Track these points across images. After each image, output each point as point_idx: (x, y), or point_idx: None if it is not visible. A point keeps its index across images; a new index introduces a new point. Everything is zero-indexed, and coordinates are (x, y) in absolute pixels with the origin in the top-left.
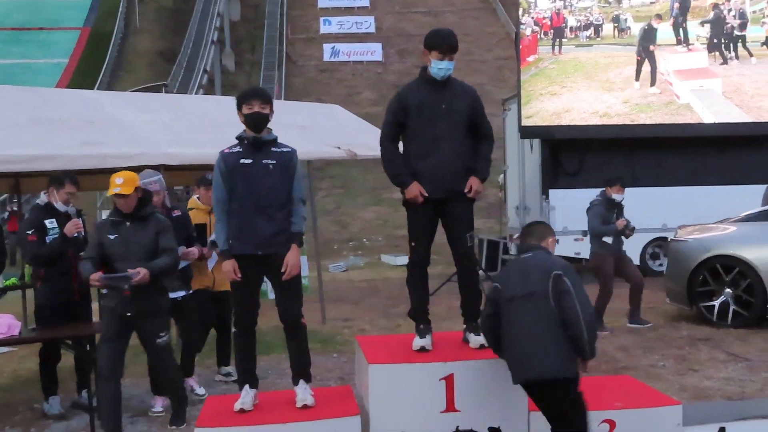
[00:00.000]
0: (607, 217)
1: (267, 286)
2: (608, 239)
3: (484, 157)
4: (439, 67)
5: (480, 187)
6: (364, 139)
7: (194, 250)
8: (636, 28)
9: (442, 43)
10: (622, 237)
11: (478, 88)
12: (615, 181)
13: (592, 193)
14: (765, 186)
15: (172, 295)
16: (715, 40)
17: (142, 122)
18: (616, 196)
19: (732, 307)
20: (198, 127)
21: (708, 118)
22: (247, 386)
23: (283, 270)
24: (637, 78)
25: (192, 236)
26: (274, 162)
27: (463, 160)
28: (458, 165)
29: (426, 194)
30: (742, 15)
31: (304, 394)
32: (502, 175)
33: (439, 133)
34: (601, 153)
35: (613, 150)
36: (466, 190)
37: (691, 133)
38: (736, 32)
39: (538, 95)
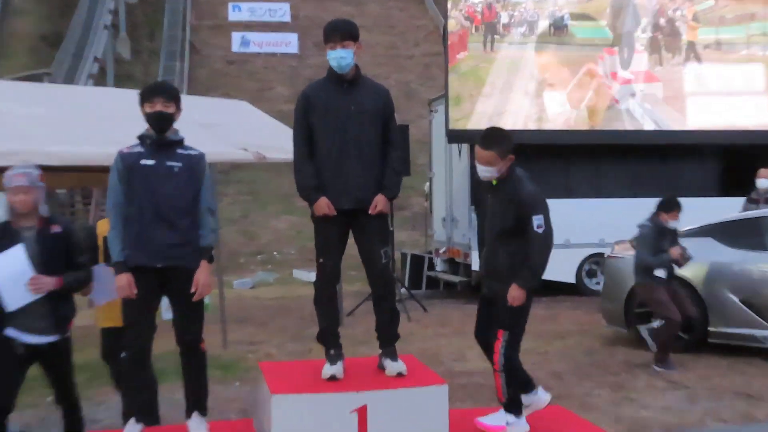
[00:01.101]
0: (659, 246)
1: (163, 304)
2: (660, 272)
3: (393, 170)
4: (333, 56)
5: (386, 206)
6: (276, 140)
7: (45, 281)
8: (574, 27)
9: (333, 32)
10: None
11: (404, 87)
12: (673, 205)
13: None
14: (699, 199)
15: (35, 339)
16: (660, 42)
17: (19, 116)
18: (671, 223)
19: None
20: (85, 122)
21: (649, 125)
22: (132, 420)
23: (193, 290)
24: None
25: (78, 261)
26: (180, 165)
27: (375, 167)
28: (369, 173)
29: (334, 212)
30: (688, 17)
31: (198, 429)
32: (428, 183)
33: (348, 138)
34: (535, 161)
35: (549, 158)
36: (369, 211)
37: (631, 140)
38: (683, 35)
39: (468, 96)
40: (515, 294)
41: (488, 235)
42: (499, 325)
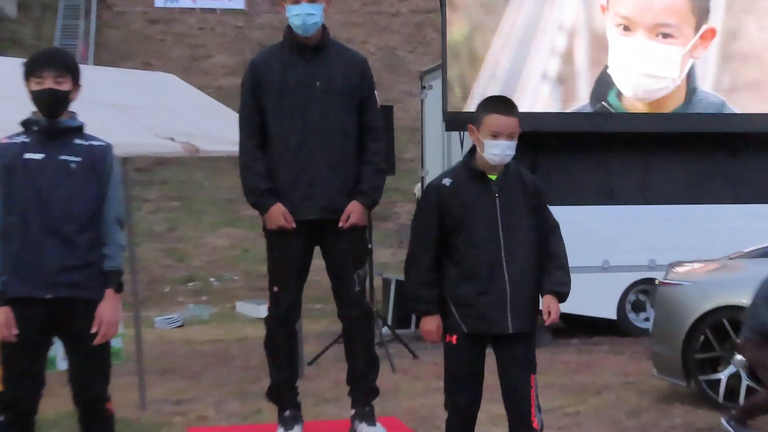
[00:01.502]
0: None
1: (56, 350)
2: None
3: (372, 167)
4: (294, 13)
5: (361, 218)
6: (214, 126)
7: None
8: None
9: None
10: None
11: (387, 55)
12: None
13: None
14: None
15: None
16: None
17: None
18: None
19: (745, 382)
20: None
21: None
22: None
23: (94, 330)
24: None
25: None
26: (79, 160)
27: (348, 163)
28: (340, 171)
29: (293, 224)
30: None
31: None
32: (418, 185)
33: (312, 124)
34: (562, 154)
35: (581, 150)
36: (340, 223)
37: (699, 126)
38: None
39: (473, 67)
40: (556, 308)
41: (488, 253)
42: (528, 368)
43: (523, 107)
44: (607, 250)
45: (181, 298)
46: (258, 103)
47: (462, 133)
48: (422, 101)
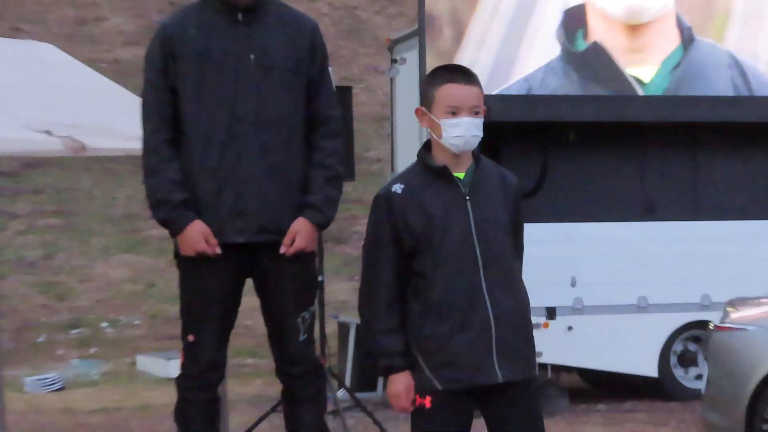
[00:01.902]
0: None
1: None
2: None
3: (325, 171)
4: None
5: (310, 241)
6: (107, 115)
7: None
8: None
9: None
10: None
11: (346, 16)
12: None
13: (564, 232)
14: None
15: None
16: None
17: None
18: None
19: None
20: None
21: None
22: None
23: None
24: None
25: None
26: None
27: (293, 167)
28: (281, 178)
29: (217, 249)
30: None
31: None
32: None
33: (244, 113)
34: (582, 152)
35: (608, 147)
36: (282, 249)
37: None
38: None
39: (465, 32)
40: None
41: (463, 276)
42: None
43: (525, 88)
44: (644, 282)
45: (62, 351)
46: (170, 82)
47: None
48: (392, 80)
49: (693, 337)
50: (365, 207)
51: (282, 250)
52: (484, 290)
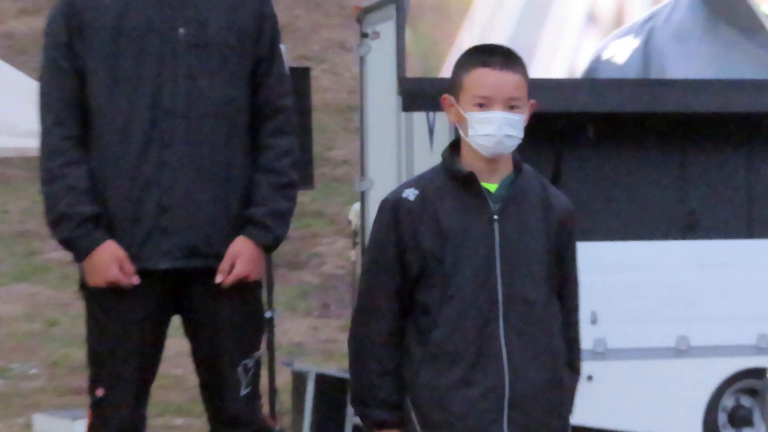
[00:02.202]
0: None
1: None
2: None
3: (275, 177)
4: None
5: (252, 268)
6: None
7: None
8: None
9: None
10: None
11: None
12: None
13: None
14: None
15: None
16: None
17: None
18: None
19: None
20: None
21: None
22: None
23: None
24: None
25: None
26: None
27: (233, 171)
28: (218, 185)
29: (134, 278)
30: None
31: None
32: (355, 207)
33: (170, 102)
34: (604, 151)
35: (638, 145)
36: (218, 277)
37: None
38: None
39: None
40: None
41: (476, 315)
42: None
43: (542, 71)
44: (685, 319)
45: None
46: (76, 63)
47: (432, 116)
48: (362, 59)
49: (747, 389)
50: (327, 222)
51: (218, 278)
52: (501, 337)
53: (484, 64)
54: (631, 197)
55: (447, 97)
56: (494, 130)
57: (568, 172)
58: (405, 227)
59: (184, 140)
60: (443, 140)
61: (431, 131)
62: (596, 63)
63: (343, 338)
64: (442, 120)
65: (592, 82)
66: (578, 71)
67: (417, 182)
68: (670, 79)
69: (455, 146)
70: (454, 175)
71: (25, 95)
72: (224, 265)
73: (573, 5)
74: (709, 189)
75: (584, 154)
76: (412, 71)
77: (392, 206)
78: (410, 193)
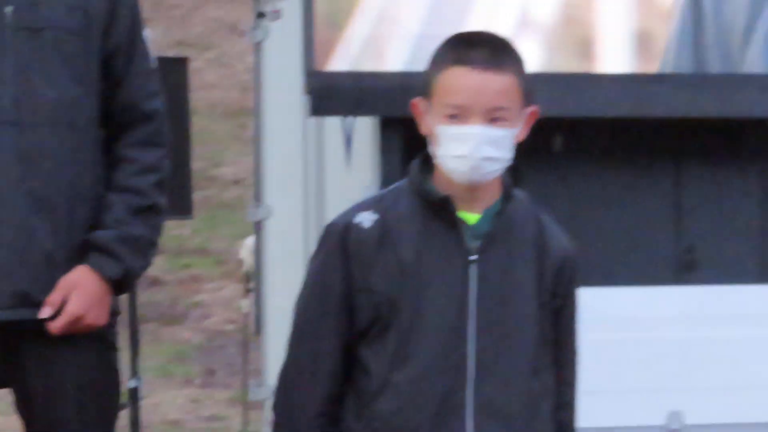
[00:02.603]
0: None
1: None
2: None
3: (131, 197)
4: None
5: (92, 306)
6: None
7: None
8: None
9: None
10: None
11: None
12: None
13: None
14: None
15: None
16: None
17: None
18: None
19: None
20: None
21: None
22: None
23: None
24: None
25: None
26: None
27: (79, 192)
28: (56, 212)
29: None
30: None
31: None
32: (248, 242)
33: None
34: (576, 167)
35: (618, 159)
36: (43, 313)
37: None
38: None
39: None
40: None
41: (438, 380)
42: None
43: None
44: (682, 390)
45: None
46: None
47: (350, 122)
48: (258, 46)
49: None
50: (212, 262)
51: (44, 313)
52: (468, 417)
53: (460, 62)
54: (611, 228)
55: (417, 102)
56: (469, 150)
57: (529, 193)
58: (356, 262)
59: (11, 152)
60: (362, 153)
61: (348, 141)
62: None
63: (233, 414)
64: (362, 128)
65: (561, 78)
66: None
67: (374, 204)
68: (659, 74)
69: (425, 162)
70: (424, 198)
71: None
72: (54, 297)
73: None
74: (710, 218)
75: (550, 169)
76: (324, 62)
77: (341, 233)
78: (365, 218)
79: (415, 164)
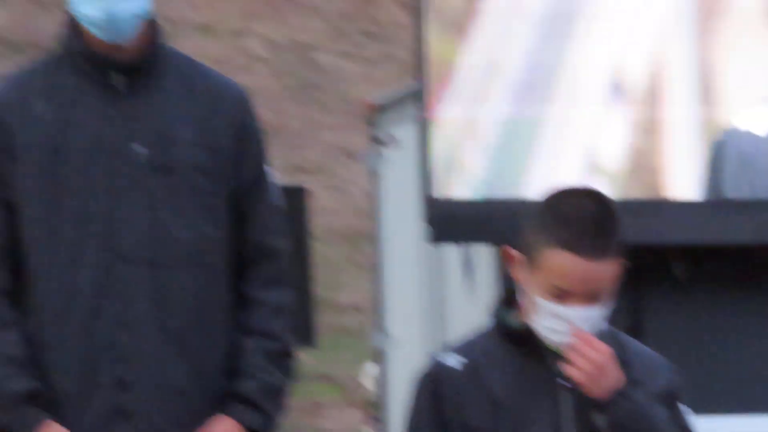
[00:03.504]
0: None
1: None
2: None
3: (265, 342)
4: (94, 3)
5: None
6: None
7: None
8: None
9: None
10: None
11: (297, 62)
12: None
13: None
14: None
15: None
16: None
17: None
18: None
19: None
20: None
21: None
22: None
23: None
24: None
25: None
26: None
27: (211, 333)
28: (191, 351)
29: None
30: None
31: None
32: (371, 366)
33: (126, 245)
34: (699, 297)
35: (745, 288)
36: None
37: None
38: None
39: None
40: None
41: None
42: None
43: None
44: None
45: None
46: (4, 195)
47: (469, 249)
48: (375, 172)
49: None
50: (334, 388)
51: None
52: None
53: (569, 247)
54: (736, 357)
55: (510, 253)
56: (566, 328)
57: (651, 323)
58: (448, 402)
59: (147, 294)
60: (483, 281)
61: (467, 268)
62: (731, 136)
63: None
64: (482, 256)
65: (684, 206)
66: None
67: (463, 347)
68: None
69: (509, 298)
70: (509, 334)
71: None
72: None
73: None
74: None
75: (672, 299)
76: (442, 189)
77: (432, 379)
78: (455, 361)
79: (497, 306)
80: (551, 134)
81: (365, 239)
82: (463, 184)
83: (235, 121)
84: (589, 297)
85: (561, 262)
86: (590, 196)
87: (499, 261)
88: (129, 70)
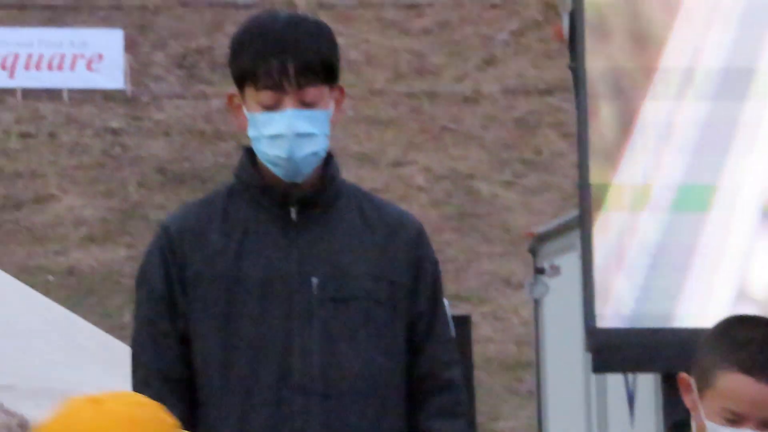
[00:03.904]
0: None
1: None
2: None
3: None
4: (271, 132)
5: None
6: (56, 372)
7: None
8: None
9: (271, 56)
10: None
11: (456, 191)
12: None
13: None
14: None
15: None
16: None
17: None
18: None
19: None
20: None
21: None
22: None
23: None
24: None
25: None
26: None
27: None
28: None
29: None
30: None
31: None
32: None
33: (301, 376)
34: None
35: None
36: None
37: None
38: None
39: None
40: None
41: None
42: None
43: None
44: None
45: None
46: (178, 325)
47: (633, 379)
48: (537, 302)
49: None
50: None
51: None
52: None
53: (745, 370)
54: None
55: (685, 380)
56: None
57: None
58: None
59: (321, 424)
60: (646, 410)
61: (631, 399)
62: None
63: None
64: (645, 384)
65: None
66: None
67: None
68: None
69: (680, 427)
70: None
71: (89, 354)
72: None
73: None
74: None
75: None
76: (605, 320)
77: None
78: None
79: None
80: (702, 261)
81: (524, 367)
82: (627, 314)
83: (411, 253)
84: (763, 424)
85: (736, 385)
86: (765, 323)
87: (662, 389)
88: (305, 204)
